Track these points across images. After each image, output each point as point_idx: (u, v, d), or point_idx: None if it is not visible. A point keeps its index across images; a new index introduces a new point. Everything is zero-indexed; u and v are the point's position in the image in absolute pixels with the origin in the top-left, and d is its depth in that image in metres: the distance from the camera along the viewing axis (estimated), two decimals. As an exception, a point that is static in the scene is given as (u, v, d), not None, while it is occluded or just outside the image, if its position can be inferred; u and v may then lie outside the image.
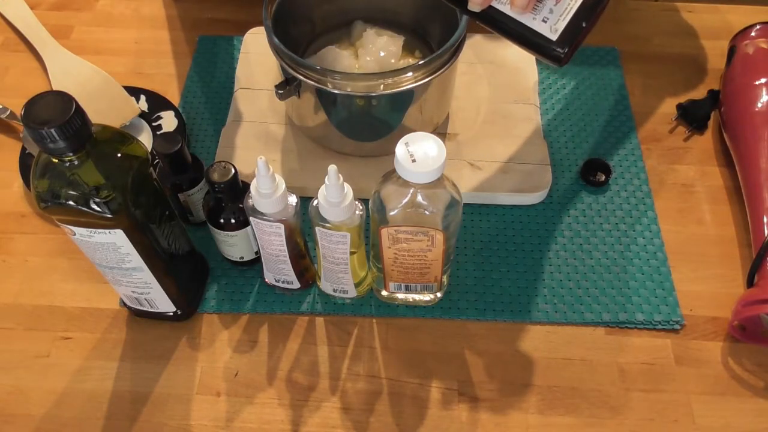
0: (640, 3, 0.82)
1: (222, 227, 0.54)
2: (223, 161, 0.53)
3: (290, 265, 0.54)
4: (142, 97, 0.71)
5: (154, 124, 0.69)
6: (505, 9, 0.41)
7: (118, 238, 0.45)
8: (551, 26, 0.40)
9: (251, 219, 0.50)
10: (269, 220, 0.49)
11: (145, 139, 0.68)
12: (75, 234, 0.45)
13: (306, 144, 0.67)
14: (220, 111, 0.72)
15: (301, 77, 0.58)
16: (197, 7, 0.82)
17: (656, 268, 0.60)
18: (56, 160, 0.41)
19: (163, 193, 0.50)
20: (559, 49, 0.42)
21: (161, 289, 0.52)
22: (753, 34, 0.68)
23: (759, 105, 0.63)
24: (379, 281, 0.56)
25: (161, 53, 0.78)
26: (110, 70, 0.72)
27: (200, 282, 0.59)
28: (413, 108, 0.60)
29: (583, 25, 0.41)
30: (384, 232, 0.48)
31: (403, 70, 0.56)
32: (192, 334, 0.57)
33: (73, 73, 0.73)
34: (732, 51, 0.70)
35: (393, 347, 0.56)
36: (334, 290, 0.57)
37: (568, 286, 0.59)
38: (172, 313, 0.56)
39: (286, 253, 0.52)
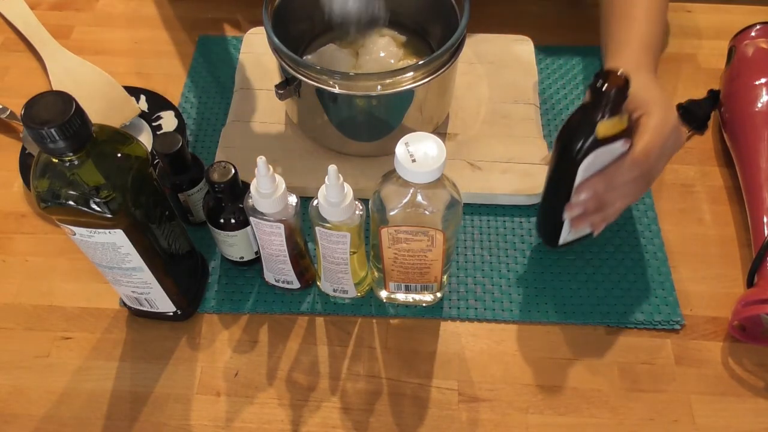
0: (640, 3, 0.82)
1: (222, 227, 0.54)
2: (223, 161, 0.53)
3: (290, 265, 0.54)
4: (142, 97, 0.71)
5: (154, 124, 0.69)
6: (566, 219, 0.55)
7: (118, 238, 0.45)
8: (563, 237, 0.58)
9: (251, 219, 0.50)
10: (269, 220, 0.49)
11: (145, 139, 0.68)
12: (75, 234, 0.45)
13: (306, 144, 0.67)
14: (220, 111, 0.72)
15: (301, 77, 0.58)
16: (197, 7, 0.82)
17: (656, 268, 0.60)
18: (56, 160, 0.41)
19: (163, 193, 0.50)
20: (556, 245, 0.59)
21: (161, 289, 0.52)
22: (753, 34, 0.68)
23: (759, 105, 0.63)
24: (379, 281, 0.56)
25: (161, 53, 0.78)
26: (110, 70, 0.73)
27: (200, 282, 0.59)
28: (413, 108, 0.60)
29: (574, 245, 0.60)
30: (384, 232, 0.48)
31: (403, 70, 0.56)
32: (192, 334, 0.57)
33: (73, 73, 0.73)
34: (732, 51, 0.70)
35: (393, 347, 0.56)
36: (334, 290, 0.57)
37: (568, 286, 0.59)
38: (172, 313, 0.56)
39: (286, 253, 0.52)
